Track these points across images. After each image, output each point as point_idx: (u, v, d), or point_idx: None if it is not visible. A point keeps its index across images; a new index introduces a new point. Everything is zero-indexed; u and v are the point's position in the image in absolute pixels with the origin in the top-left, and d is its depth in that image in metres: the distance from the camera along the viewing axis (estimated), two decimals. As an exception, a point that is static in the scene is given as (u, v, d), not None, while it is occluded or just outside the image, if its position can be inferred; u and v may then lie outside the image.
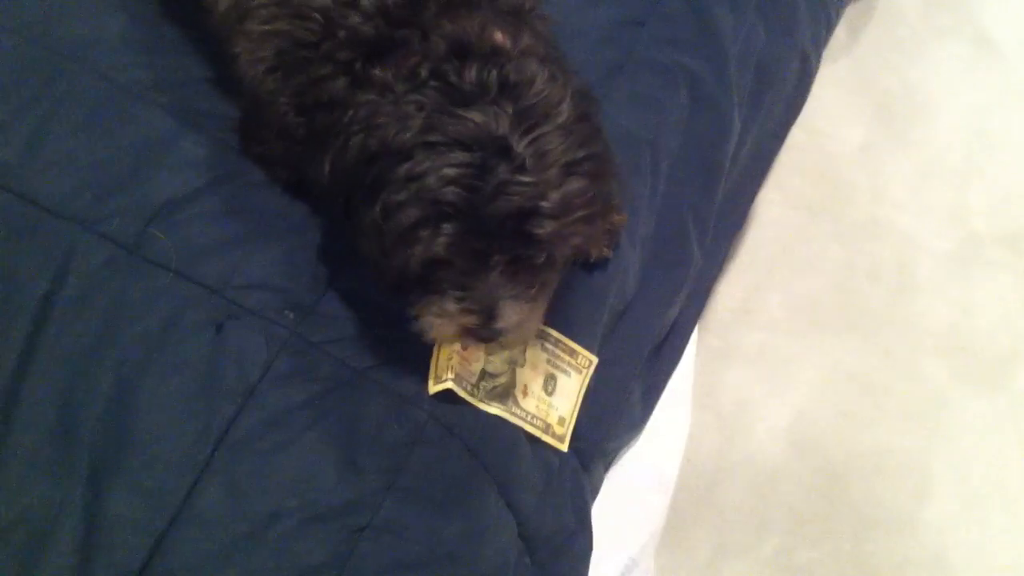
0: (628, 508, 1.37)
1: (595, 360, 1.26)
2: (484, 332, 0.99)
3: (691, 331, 1.51)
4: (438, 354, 1.11)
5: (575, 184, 0.92)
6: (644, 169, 1.34)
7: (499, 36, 0.99)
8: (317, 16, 1.03)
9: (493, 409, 1.14)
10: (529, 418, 1.17)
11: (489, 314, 0.97)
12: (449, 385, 1.09)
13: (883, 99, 2.20)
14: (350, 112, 0.95)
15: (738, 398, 1.85)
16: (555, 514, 1.22)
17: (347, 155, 0.94)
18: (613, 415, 1.34)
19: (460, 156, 0.88)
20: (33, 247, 1.08)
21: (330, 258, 1.14)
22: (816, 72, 1.77)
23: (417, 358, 1.12)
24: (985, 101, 2.15)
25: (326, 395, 1.09)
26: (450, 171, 0.88)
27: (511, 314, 0.98)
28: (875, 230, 2.08)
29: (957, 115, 2.15)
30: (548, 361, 1.20)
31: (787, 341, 1.93)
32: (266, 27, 1.06)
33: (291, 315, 1.10)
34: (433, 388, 1.10)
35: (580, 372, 1.24)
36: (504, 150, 0.88)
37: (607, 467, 1.38)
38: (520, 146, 0.89)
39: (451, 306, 0.97)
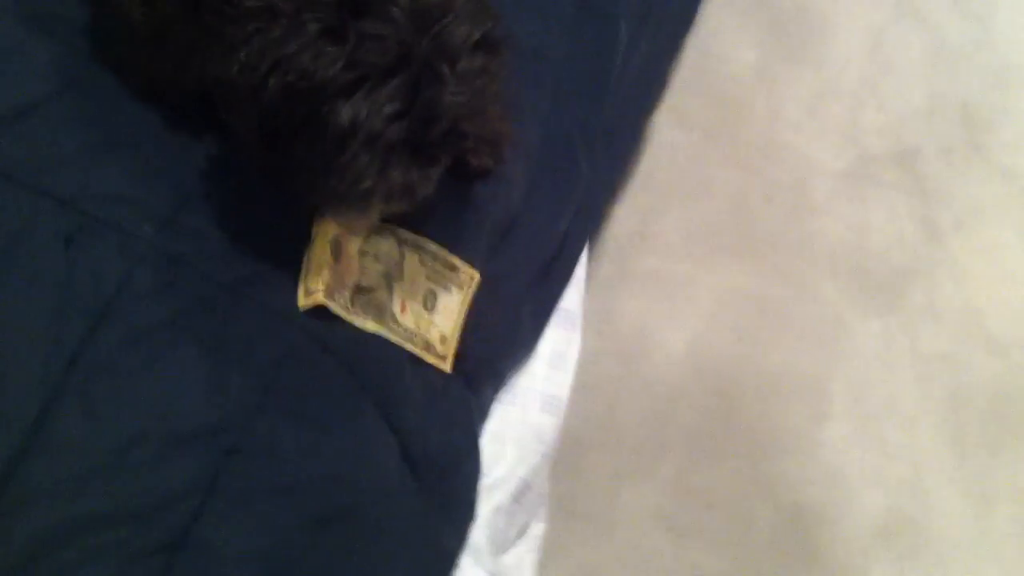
0: (518, 429, 1.33)
1: (477, 276, 1.21)
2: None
3: (581, 249, 1.46)
4: (308, 266, 1.05)
5: (478, 61, 0.92)
6: (528, 78, 1.29)
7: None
8: None
9: (369, 325, 1.10)
10: (408, 335, 1.12)
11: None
12: (320, 299, 1.04)
13: (777, 18, 2.16)
14: (234, 30, 0.89)
15: (634, 323, 1.82)
16: (441, 435, 1.18)
17: (264, 94, 0.89)
18: (501, 334, 1.29)
19: (393, 87, 0.87)
20: None
21: (191, 168, 1.08)
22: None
23: (288, 271, 1.07)
24: (880, 20, 2.12)
25: (191, 311, 1.03)
26: (390, 108, 0.88)
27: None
28: (771, 152, 2.06)
29: (852, 34, 2.13)
30: (427, 276, 1.16)
31: (683, 266, 1.91)
32: None
33: (148, 228, 1.03)
34: (304, 302, 1.05)
35: (462, 288, 1.19)
36: (427, 67, 0.88)
37: (496, 389, 1.34)
38: (439, 61, 0.89)
39: None
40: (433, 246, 1.16)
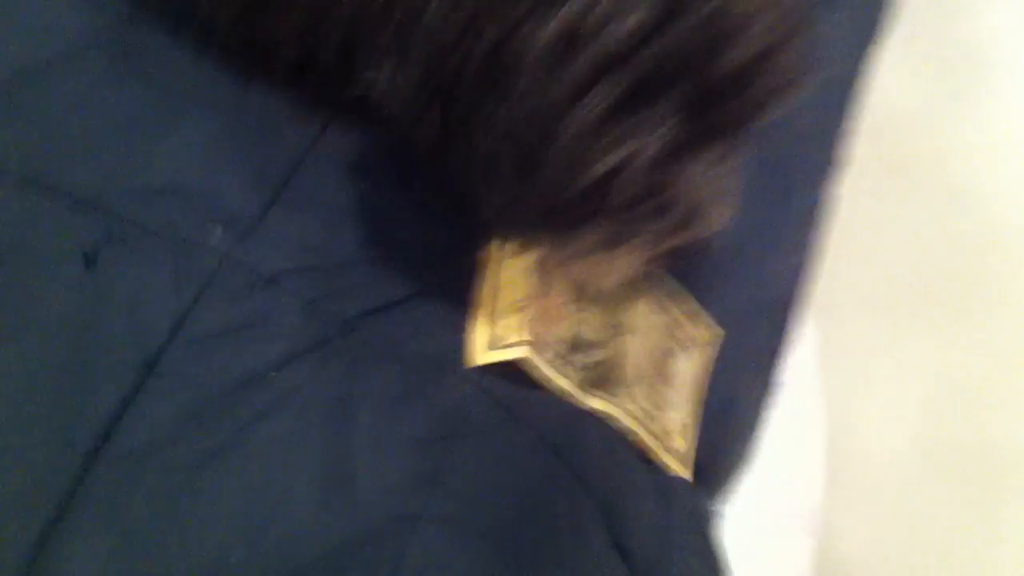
0: (764, 559, 0.92)
1: (721, 332, 0.79)
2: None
3: (804, 295, 1.03)
4: (494, 297, 0.60)
5: None
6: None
7: None
8: None
9: (596, 401, 0.68)
10: (645, 418, 0.69)
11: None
12: (524, 353, 0.63)
13: (942, 54, 1.87)
14: None
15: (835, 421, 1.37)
16: (680, 567, 0.74)
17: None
18: (730, 414, 0.85)
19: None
20: None
21: (285, 153, 0.67)
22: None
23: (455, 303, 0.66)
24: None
25: (294, 365, 0.62)
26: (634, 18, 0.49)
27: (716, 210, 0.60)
28: (953, 199, 1.68)
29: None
30: (665, 327, 0.71)
31: (867, 340, 1.47)
32: None
33: (218, 230, 0.62)
34: (485, 354, 0.64)
35: (702, 350, 0.75)
36: None
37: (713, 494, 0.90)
38: None
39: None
40: (672, 281, 0.71)
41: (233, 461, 0.58)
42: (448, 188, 0.62)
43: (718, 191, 0.60)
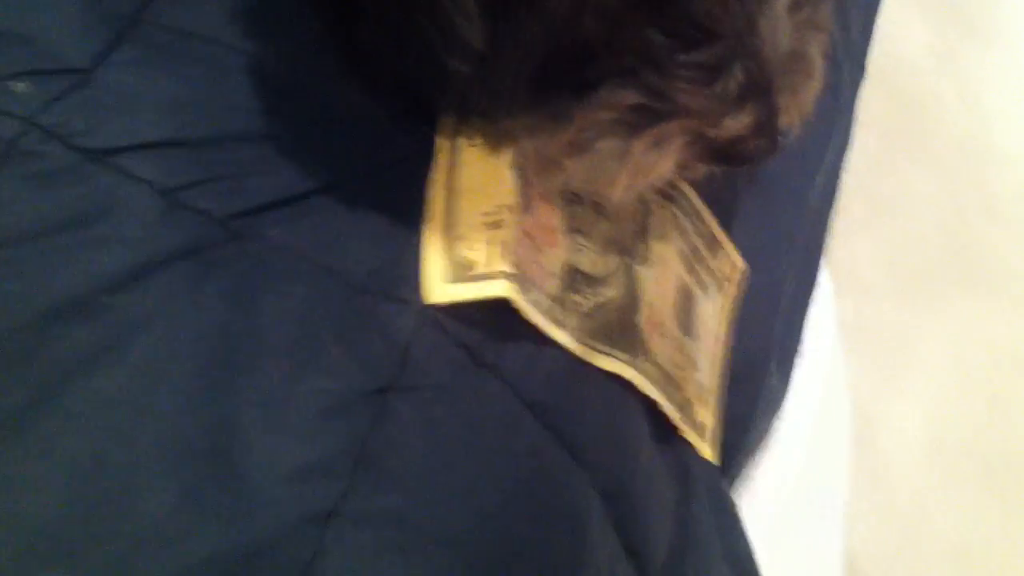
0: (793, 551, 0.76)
1: (742, 265, 0.59)
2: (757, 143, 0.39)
3: (821, 253, 0.85)
4: (451, 204, 0.44)
5: None
6: None
7: None
8: None
9: (603, 359, 0.48)
10: (665, 380, 0.51)
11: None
12: (501, 290, 0.43)
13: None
14: None
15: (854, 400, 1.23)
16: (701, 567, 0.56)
17: None
18: (759, 377, 0.66)
19: None
20: None
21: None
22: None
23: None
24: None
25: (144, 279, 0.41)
26: None
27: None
28: (977, 155, 1.56)
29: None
30: (683, 258, 0.52)
31: (896, 313, 1.37)
32: None
33: (22, 86, 0.41)
34: (450, 289, 0.43)
35: (726, 289, 0.58)
36: None
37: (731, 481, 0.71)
38: None
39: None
40: (694, 197, 0.53)
41: (40, 431, 0.36)
42: (383, 33, 0.40)
43: (807, 45, 0.38)
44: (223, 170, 0.43)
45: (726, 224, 0.60)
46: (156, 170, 0.42)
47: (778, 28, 0.37)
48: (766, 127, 0.39)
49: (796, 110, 0.42)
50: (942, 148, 1.69)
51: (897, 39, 1.81)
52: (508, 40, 0.37)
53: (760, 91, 0.38)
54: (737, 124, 0.39)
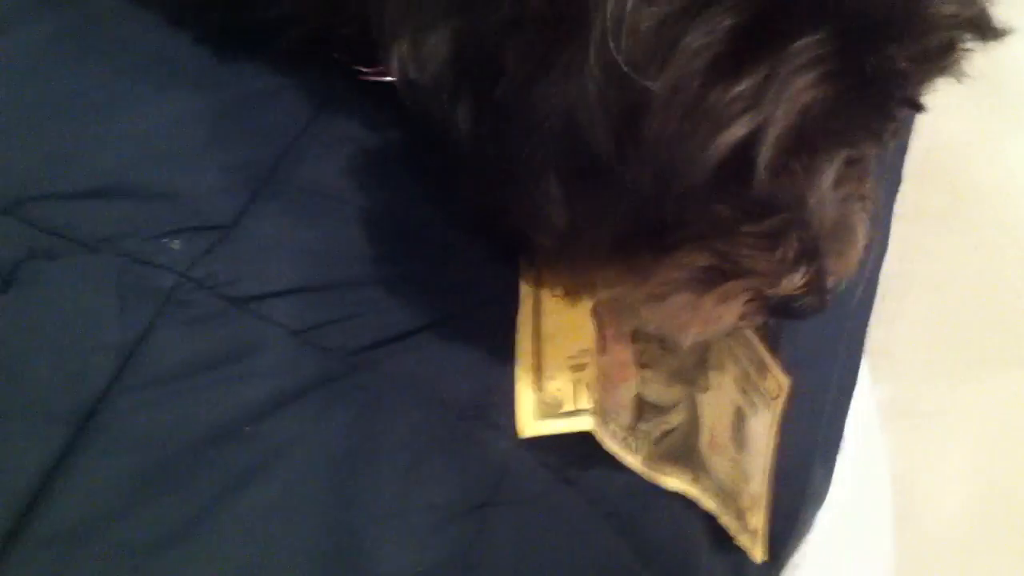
0: None
1: (788, 383, 0.64)
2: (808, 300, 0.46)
3: (862, 351, 0.92)
4: (538, 347, 0.50)
5: None
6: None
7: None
8: None
9: (670, 480, 0.54)
10: (723, 495, 0.57)
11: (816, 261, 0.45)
12: (587, 425, 0.49)
13: (992, 86, 1.66)
14: None
15: (888, 475, 1.24)
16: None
17: None
18: (804, 477, 0.71)
19: None
20: None
21: (268, 133, 0.53)
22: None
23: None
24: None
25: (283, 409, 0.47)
26: None
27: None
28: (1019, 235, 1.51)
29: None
30: (736, 383, 0.58)
31: (939, 391, 1.30)
32: None
33: (177, 243, 0.48)
34: (541, 425, 0.50)
35: (773, 406, 0.62)
36: None
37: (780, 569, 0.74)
38: None
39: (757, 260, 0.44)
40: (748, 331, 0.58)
41: (201, 542, 0.43)
42: (483, 195, 0.47)
43: (851, 214, 0.45)
44: (345, 311, 0.50)
45: (775, 337, 0.65)
46: (289, 314, 0.48)
47: (825, 202, 0.44)
48: (816, 286, 0.46)
49: (842, 270, 0.48)
50: (986, 233, 1.69)
51: (938, 125, 1.82)
52: (589, 219, 0.43)
53: (811, 256, 0.45)
54: (792, 284, 0.45)
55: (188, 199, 0.50)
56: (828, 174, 0.43)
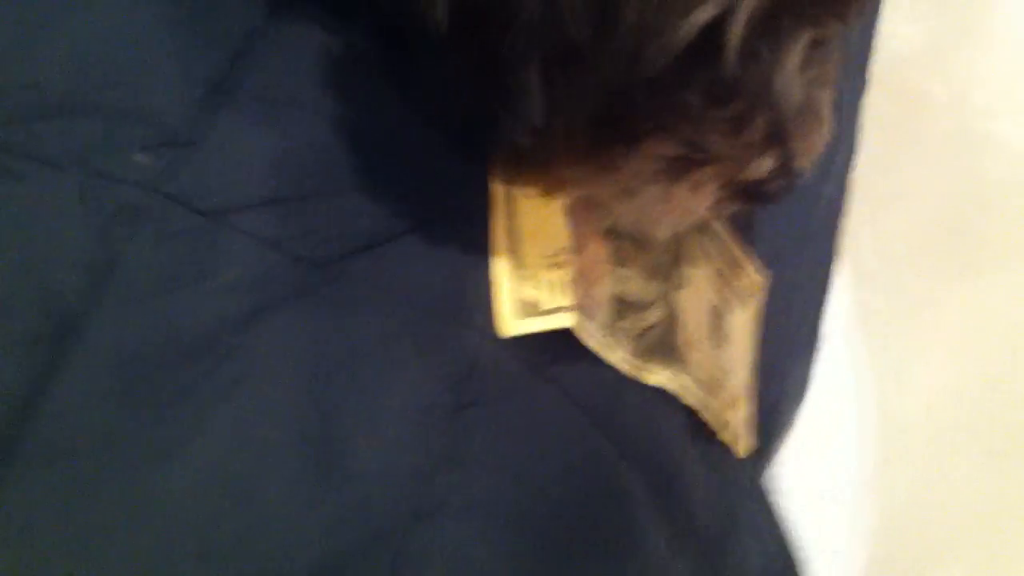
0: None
1: (761, 280, 0.65)
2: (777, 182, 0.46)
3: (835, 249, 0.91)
4: (515, 247, 0.51)
5: None
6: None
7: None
8: None
9: (654, 376, 0.55)
10: (704, 391, 0.58)
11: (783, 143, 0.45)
12: (568, 322, 0.50)
13: None
14: None
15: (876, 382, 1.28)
16: (748, 550, 0.63)
17: None
18: (784, 373, 0.74)
19: None
20: None
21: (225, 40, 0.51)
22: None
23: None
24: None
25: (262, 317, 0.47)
26: None
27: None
28: (970, 146, 1.52)
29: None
30: (710, 280, 0.59)
31: (894, 301, 1.33)
32: None
33: (144, 159, 0.47)
34: (523, 323, 0.50)
35: (751, 301, 0.63)
36: None
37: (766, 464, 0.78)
38: None
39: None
40: (718, 225, 0.59)
41: (187, 451, 0.43)
42: (456, 93, 0.47)
43: (817, 98, 0.45)
44: (318, 221, 0.50)
45: (747, 232, 0.66)
46: (261, 226, 0.48)
47: (791, 85, 0.44)
48: (784, 170, 0.46)
49: (808, 154, 0.49)
50: (937, 142, 1.71)
51: (889, 38, 1.84)
52: (565, 111, 0.43)
53: (778, 139, 0.45)
54: (760, 168, 0.46)
55: (154, 114, 0.49)
56: (794, 56, 0.43)
